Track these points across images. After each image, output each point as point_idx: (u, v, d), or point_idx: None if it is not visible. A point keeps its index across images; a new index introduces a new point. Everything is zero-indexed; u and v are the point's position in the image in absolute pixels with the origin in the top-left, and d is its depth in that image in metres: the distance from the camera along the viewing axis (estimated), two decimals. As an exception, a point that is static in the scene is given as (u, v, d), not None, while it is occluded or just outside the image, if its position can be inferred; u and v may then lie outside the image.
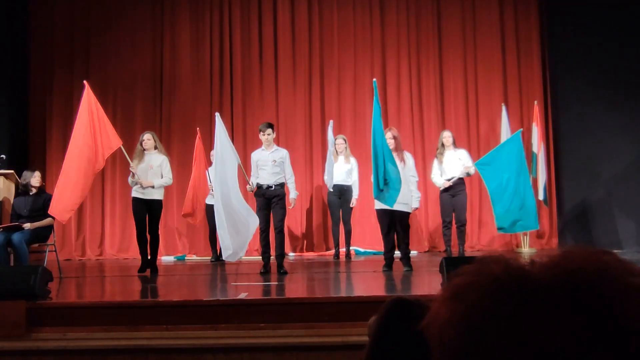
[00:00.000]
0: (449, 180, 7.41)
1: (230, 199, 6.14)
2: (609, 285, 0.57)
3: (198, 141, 8.17)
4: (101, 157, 6.26)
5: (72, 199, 6.18)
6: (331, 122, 8.05)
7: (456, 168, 7.43)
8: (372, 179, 6.14)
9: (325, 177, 7.94)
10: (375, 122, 6.02)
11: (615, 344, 0.54)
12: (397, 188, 5.90)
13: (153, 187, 6.51)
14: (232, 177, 6.27)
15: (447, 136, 7.60)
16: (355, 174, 8.04)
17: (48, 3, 9.46)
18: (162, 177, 6.61)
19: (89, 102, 6.33)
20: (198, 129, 8.27)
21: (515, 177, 6.81)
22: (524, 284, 0.59)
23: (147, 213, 6.54)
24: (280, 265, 6.33)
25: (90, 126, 6.22)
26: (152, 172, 6.55)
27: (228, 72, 9.30)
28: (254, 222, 6.30)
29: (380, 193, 5.95)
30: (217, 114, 6.45)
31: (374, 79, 6.55)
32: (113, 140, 6.33)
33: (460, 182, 7.46)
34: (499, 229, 7.00)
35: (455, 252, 7.58)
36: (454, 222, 7.54)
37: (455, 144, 7.65)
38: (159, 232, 6.77)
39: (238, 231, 6.18)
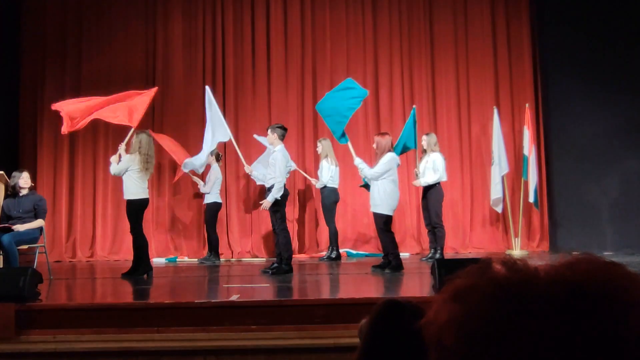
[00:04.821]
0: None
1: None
2: (615, 300, 0.55)
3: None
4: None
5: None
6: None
7: (426, 172, 7.60)
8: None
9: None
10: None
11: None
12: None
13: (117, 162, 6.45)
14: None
15: (422, 140, 7.82)
16: (325, 175, 8.07)
17: (40, 1, 9.41)
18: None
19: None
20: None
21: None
22: (527, 293, 0.57)
23: None
24: (273, 263, 6.41)
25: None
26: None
27: (220, 73, 9.28)
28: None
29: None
30: (207, 87, 7.71)
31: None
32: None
33: (431, 184, 7.59)
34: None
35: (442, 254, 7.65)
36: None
37: (431, 148, 7.71)
38: (145, 234, 6.56)
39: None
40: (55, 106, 6.74)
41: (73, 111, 6.55)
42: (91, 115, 6.59)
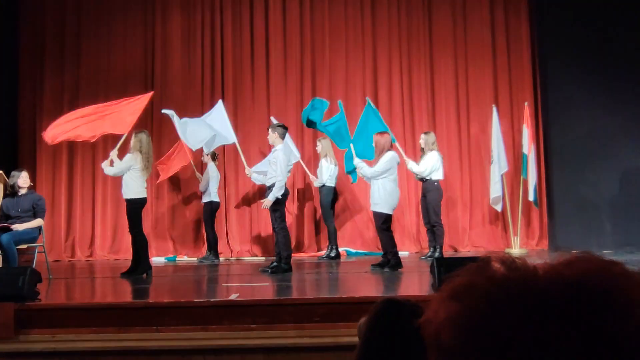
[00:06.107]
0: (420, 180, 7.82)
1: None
2: (614, 299, 0.55)
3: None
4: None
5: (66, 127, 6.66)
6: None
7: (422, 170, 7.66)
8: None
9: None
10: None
11: None
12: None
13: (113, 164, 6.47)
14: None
15: (420, 138, 7.91)
16: (324, 174, 8.11)
17: (39, 1, 9.39)
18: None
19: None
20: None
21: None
22: (525, 292, 0.57)
23: None
24: (272, 262, 6.42)
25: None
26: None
27: (219, 74, 9.26)
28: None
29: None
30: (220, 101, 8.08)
31: (339, 100, 7.47)
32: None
33: (430, 183, 7.61)
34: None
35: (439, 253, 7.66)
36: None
37: (429, 147, 7.72)
38: (144, 233, 6.56)
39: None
40: (46, 136, 6.80)
41: (60, 131, 6.72)
42: (71, 132, 6.71)
